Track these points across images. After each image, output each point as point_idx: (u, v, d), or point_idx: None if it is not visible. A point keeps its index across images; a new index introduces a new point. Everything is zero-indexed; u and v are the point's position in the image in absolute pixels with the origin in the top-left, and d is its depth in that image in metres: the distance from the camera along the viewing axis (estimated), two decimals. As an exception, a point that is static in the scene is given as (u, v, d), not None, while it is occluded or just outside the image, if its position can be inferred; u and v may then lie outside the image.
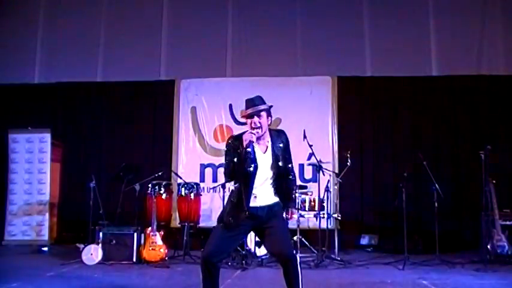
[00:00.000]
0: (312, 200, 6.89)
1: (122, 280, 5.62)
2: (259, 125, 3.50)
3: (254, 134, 3.46)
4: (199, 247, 6.21)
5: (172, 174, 8.05)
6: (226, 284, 5.19)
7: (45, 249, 7.88)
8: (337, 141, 8.56)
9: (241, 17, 9.17)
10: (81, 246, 6.78)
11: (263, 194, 3.53)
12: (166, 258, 6.60)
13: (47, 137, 8.67)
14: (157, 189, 7.03)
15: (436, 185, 6.50)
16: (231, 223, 3.47)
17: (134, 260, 6.59)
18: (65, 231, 8.63)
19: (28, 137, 8.70)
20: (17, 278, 5.44)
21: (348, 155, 6.93)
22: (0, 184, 8.67)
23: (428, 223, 7.03)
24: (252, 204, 3.50)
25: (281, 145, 3.62)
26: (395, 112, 8.72)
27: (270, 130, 3.64)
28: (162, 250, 6.57)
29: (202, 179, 8.57)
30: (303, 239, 6.87)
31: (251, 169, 3.47)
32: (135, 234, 6.68)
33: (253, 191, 3.50)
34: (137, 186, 7.00)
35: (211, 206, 8.19)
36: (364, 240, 8.22)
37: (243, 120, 3.63)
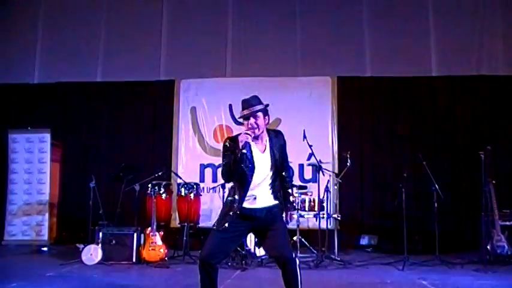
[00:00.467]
0: (312, 200, 6.90)
1: (122, 280, 5.61)
2: (255, 126, 3.47)
3: (249, 135, 3.43)
4: (199, 247, 6.11)
5: (172, 174, 8.05)
6: (226, 284, 5.19)
7: (45, 249, 7.88)
8: (337, 141, 8.56)
9: (241, 17, 9.17)
10: (81, 246, 6.78)
11: (262, 194, 3.51)
12: (166, 258, 6.59)
13: (47, 137, 8.68)
14: (157, 190, 7.02)
15: (436, 185, 6.49)
16: (226, 228, 3.44)
17: (134, 260, 6.59)
18: (64, 231, 8.64)
19: (28, 137, 8.71)
20: (16, 278, 5.44)
21: (348, 156, 6.92)
22: (0, 184, 8.67)
23: (428, 223, 7.04)
24: (252, 205, 3.48)
25: (279, 145, 3.60)
26: (395, 112, 8.72)
27: (268, 130, 3.60)
28: (161, 250, 6.56)
29: (202, 179, 8.58)
30: (302, 239, 6.86)
31: (247, 170, 3.45)
32: (135, 235, 6.67)
33: (252, 192, 3.49)
34: (137, 187, 7.00)
35: (211, 206, 8.19)
36: (364, 241, 8.22)
37: (241, 120, 3.61)
